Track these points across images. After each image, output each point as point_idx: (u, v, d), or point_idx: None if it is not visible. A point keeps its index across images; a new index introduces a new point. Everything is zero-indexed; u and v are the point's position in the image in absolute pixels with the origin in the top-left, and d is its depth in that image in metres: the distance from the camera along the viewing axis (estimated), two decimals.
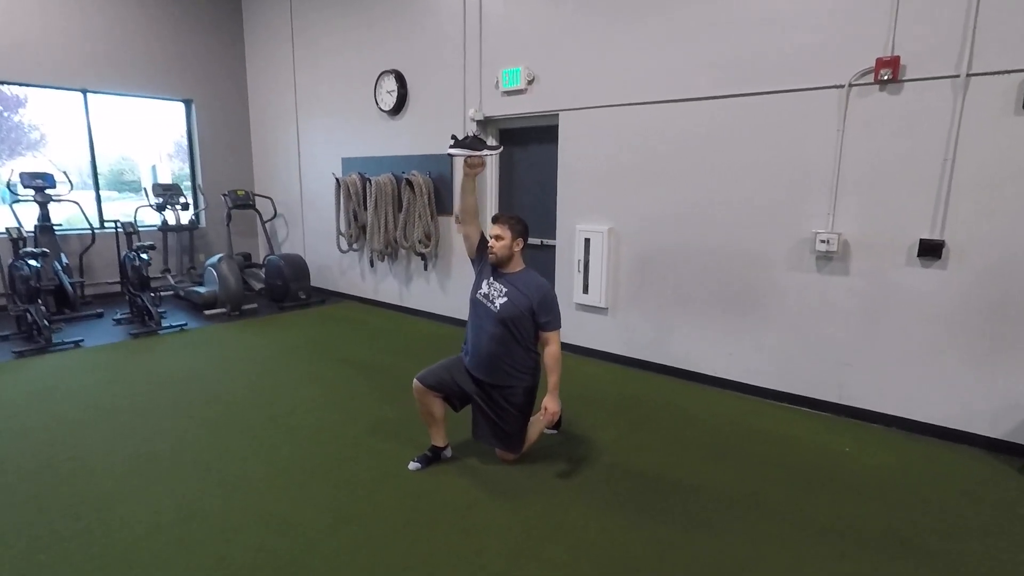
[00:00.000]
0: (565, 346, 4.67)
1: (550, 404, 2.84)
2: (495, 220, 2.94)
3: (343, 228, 6.45)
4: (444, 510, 2.60)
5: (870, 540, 2.42)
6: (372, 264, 6.34)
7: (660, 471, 2.99)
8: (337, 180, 6.32)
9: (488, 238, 3.00)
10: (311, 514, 2.55)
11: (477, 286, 3.04)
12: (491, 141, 3.40)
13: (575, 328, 4.89)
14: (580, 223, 4.73)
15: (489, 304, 2.93)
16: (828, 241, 3.54)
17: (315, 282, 6.93)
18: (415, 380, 3.02)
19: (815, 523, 2.54)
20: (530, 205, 5.28)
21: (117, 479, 2.83)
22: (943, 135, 3.18)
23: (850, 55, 3.40)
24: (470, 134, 3.09)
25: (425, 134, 5.76)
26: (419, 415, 3.07)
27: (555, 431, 3.38)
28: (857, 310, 3.56)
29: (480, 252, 3.04)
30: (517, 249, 2.91)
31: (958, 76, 3.10)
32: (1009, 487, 2.87)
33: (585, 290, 4.75)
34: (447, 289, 5.88)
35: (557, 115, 4.78)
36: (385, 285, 6.51)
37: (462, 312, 5.69)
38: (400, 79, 5.81)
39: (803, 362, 3.79)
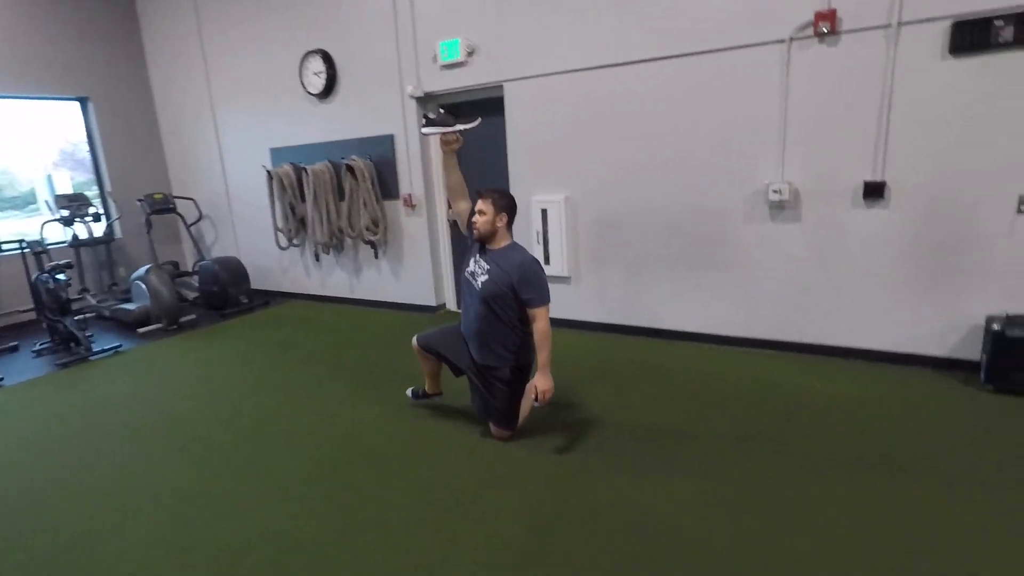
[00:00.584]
0: None
1: (540, 382, 2.84)
2: (479, 194, 2.90)
3: (280, 223, 6.10)
4: (453, 493, 2.58)
5: (860, 462, 2.62)
6: (317, 258, 6.06)
7: (652, 426, 3.09)
8: (269, 173, 5.94)
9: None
10: (320, 526, 2.45)
11: (465, 263, 3.06)
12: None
13: None
14: (535, 194, 4.71)
15: (474, 282, 2.93)
16: (780, 191, 3.71)
17: (255, 284, 6.56)
18: (415, 339, 3.26)
19: (808, 453, 2.72)
20: (479, 181, 5.15)
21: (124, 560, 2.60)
22: (879, 82, 3.38)
23: (790, 10, 3.52)
24: (441, 111, 2.99)
25: (361, 116, 5.50)
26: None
27: (537, 403, 3.39)
28: (811, 254, 3.78)
29: (470, 228, 2.99)
30: (500, 224, 2.87)
31: (890, 25, 3.29)
32: (960, 398, 3.18)
33: (547, 261, 4.76)
34: (401, 276, 5.73)
35: (502, 86, 4.69)
36: (333, 279, 6.25)
37: (419, 298, 5.61)
38: (327, 59, 5.49)
39: (765, 308, 3.99)
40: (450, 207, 3.27)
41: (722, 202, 3.98)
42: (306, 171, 5.62)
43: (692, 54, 3.87)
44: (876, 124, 3.43)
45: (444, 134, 2.94)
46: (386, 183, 5.53)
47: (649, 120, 4.13)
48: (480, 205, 2.86)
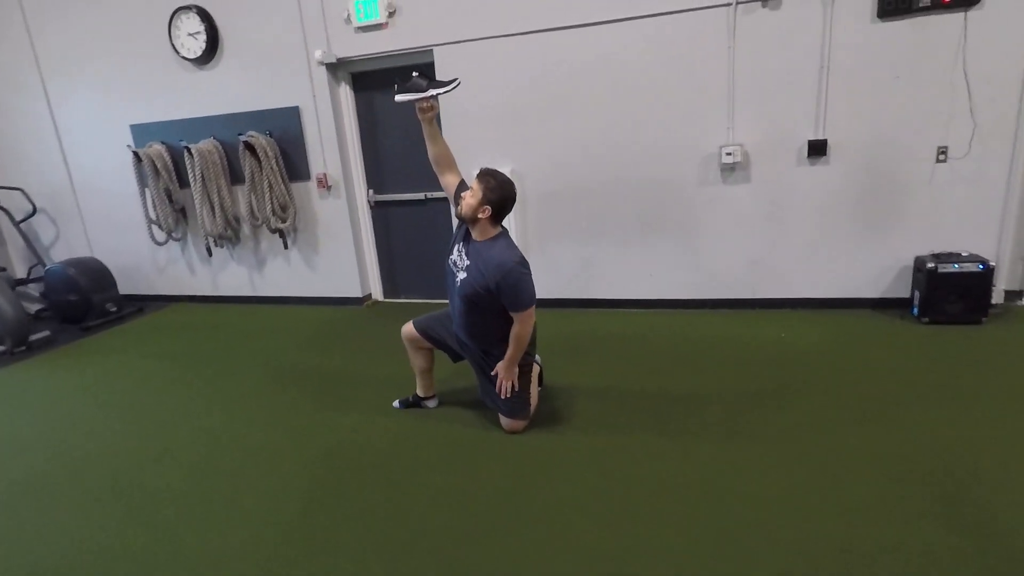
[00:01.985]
0: None
1: (502, 370, 2.67)
2: (477, 175, 2.55)
3: (154, 215, 5.11)
4: (491, 496, 2.29)
5: (835, 400, 2.79)
6: (210, 253, 5.16)
7: (632, 394, 3.03)
8: (136, 154, 4.93)
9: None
10: (355, 564, 2.02)
11: (450, 247, 2.76)
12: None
13: None
14: (476, 168, 4.40)
15: (456, 273, 2.68)
16: (732, 153, 3.82)
17: (122, 289, 5.46)
18: (408, 324, 2.93)
19: (790, 400, 2.82)
20: (403, 157, 4.75)
21: None
22: (817, 44, 3.60)
23: None
24: (415, 75, 2.60)
25: (256, 85, 4.74)
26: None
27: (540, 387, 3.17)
28: (760, 212, 3.95)
29: (456, 205, 2.64)
30: (483, 216, 2.50)
31: None
32: (903, 332, 3.53)
33: None
34: (317, 267, 5.10)
35: (431, 51, 4.30)
36: (227, 276, 5.39)
37: (341, 290, 5.04)
38: (205, 16, 4.64)
39: (721, 269, 4.12)
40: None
41: (676, 167, 4.01)
42: (189, 151, 4.74)
43: (641, 17, 3.82)
44: (816, 85, 3.65)
45: (418, 101, 2.58)
46: (293, 162, 4.85)
47: (597, 86, 4.03)
48: (472, 186, 2.54)
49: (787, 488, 2.17)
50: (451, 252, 2.72)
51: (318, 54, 4.49)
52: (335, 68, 4.60)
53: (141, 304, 5.54)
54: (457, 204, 2.63)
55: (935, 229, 3.68)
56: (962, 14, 3.34)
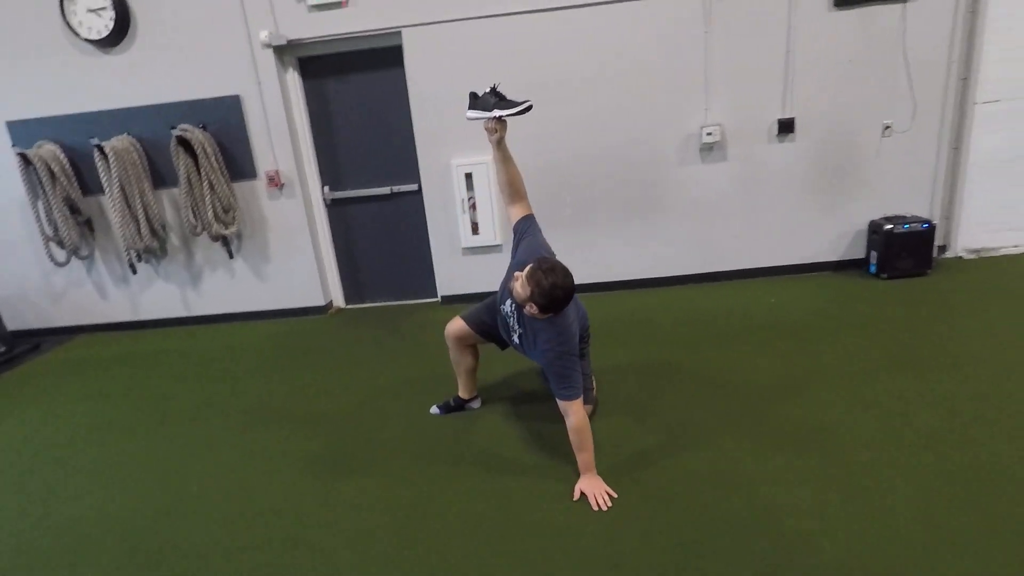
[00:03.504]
0: (457, 299, 4.41)
1: (586, 486, 2.16)
2: (529, 269, 2.09)
3: (51, 230, 4.21)
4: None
5: (850, 350, 3.09)
6: (134, 270, 4.33)
7: (654, 374, 3.06)
8: (24, 157, 4.02)
9: (532, 231, 2.45)
10: None
11: (502, 294, 2.43)
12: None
13: (469, 277, 4.47)
14: (455, 158, 4.20)
15: (508, 328, 2.44)
16: (712, 133, 4.02)
17: (10, 324, 4.44)
18: (455, 320, 2.67)
19: (796, 359, 3.05)
20: (362, 150, 4.39)
21: None
22: (783, 31, 3.89)
23: None
24: (490, 89, 2.37)
25: (184, 71, 4.08)
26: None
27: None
28: (736, 188, 4.20)
29: (516, 240, 2.47)
30: (530, 312, 2.14)
31: None
32: (868, 287, 3.97)
33: (475, 231, 4.32)
34: (269, 276, 4.53)
35: (399, 33, 4.00)
36: (153, 296, 4.61)
37: (300, 299, 4.55)
38: None
39: (704, 243, 4.31)
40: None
41: (658, 148, 4.13)
42: (102, 150, 3.97)
43: (616, 1, 3.87)
44: (783, 67, 3.96)
45: (486, 121, 2.37)
46: (235, 159, 4.26)
47: (577, 70, 4.01)
48: (523, 273, 2.11)
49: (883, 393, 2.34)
50: (502, 302, 2.43)
51: (264, 35, 3.98)
52: (285, 50, 4.11)
53: (36, 340, 4.56)
54: (516, 240, 2.46)
55: (882, 196, 4.16)
56: (901, 6, 3.81)
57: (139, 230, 4.18)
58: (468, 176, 4.20)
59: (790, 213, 4.24)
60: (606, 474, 2.22)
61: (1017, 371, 2.69)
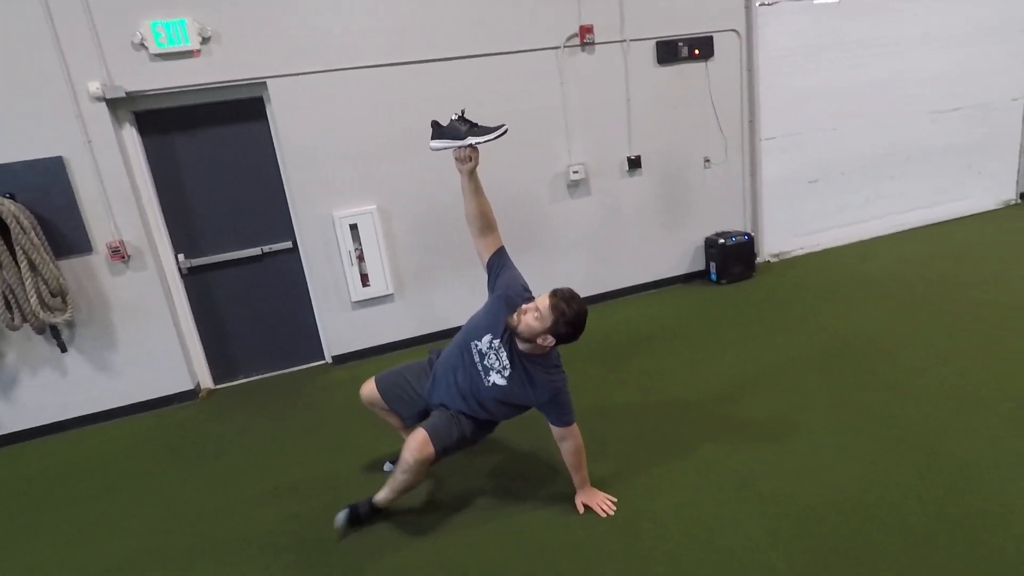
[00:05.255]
0: (351, 355, 4.38)
1: (587, 499, 2.34)
2: (551, 297, 2.11)
3: None
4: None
5: (703, 340, 3.75)
6: None
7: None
8: None
9: (508, 264, 2.36)
10: None
11: (478, 328, 2.32)
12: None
13: (363, 331, 4.27)
14: (336, 209, 4.01)
15: (479, 370, 2.28)
16: (579, 171, 4.47)
17: None
18: (368, 383, 2.56)
19: (669, 346, 3.68)
20: (224, 212, 3.98)
21: None
22: (622, 82, 4.52)
23: (562, 23, 4.26)
24: (455, 116, 2.27)
25: None
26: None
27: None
28: (599, 219, 4.70)
29: (493, 274, 2.35)
30: (544, 343, 2.14)
31: (624, 40, 4.44)
32: (712, 292, 4.73)
33: (364, 282, 4.14)
34: (115, 366, 3.76)
35: (264, 84, 3.75)
36: None
37: (162, 387, 3.94)
38: None
39: (576, 270, 4.69)
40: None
41: (532, 187, 4.45)
42: None
43: (489, 54, 4.15)
44: (626, 113, 4.58)
45: (456, 150, 2.25)
46: (60, 233, 3.52)
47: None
48: (539, 303, 2.12)
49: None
50: (479, 335, 2.30)
51: (95, 87, 3.42)
52: (122, 104, 3.56)
53: None
54: (493, 274, 2.34)
55: (710, 216, 5.01)
56: (704, 63, 4.70)
57: None
58: (353, 227, 4.04)
59: (644, 237, 4.86)
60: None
61: (826, 324, 3.72)
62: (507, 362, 2.24)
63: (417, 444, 2.19)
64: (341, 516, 2.32)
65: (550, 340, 2.12)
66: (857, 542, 1.98)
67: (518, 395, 2.26)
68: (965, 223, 5.83)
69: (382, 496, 2.34)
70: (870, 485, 2.25)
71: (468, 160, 2.27)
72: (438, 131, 2.31)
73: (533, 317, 2.09)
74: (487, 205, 2.35)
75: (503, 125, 2.26)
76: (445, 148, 2.30)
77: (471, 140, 2.23)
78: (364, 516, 2.38)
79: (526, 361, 2.22)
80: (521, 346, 2.20)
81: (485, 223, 2.35)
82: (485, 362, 2.28)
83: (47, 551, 2.53)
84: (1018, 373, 2.91)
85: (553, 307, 2.07)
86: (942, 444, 2.44)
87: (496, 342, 2.25)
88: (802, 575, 1.88)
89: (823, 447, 2.52)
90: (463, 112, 2.31)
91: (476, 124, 2.26)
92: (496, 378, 2.26)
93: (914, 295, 4.11)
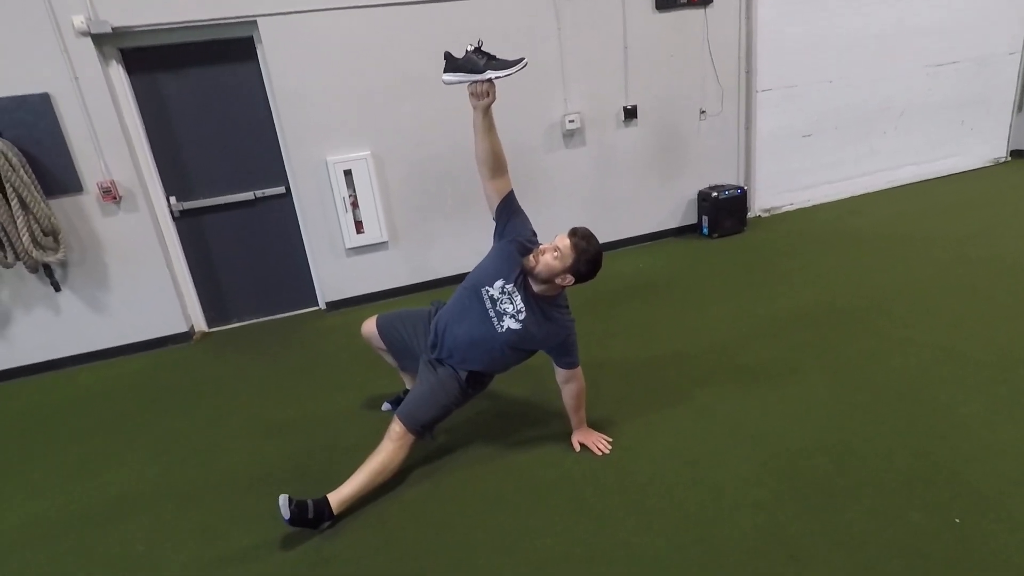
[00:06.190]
0: (345, 302, 4.41)
1: (584, 437, 2.41)
2: (570, 236, 2.13)
3: None
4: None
5: (697, 292, 3.81)
6: None
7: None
8: None
9: (516, 209, 2.31)
10: None
11: (487, 274, 2.26)
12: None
13: (356, 278, 4.30)
14: (330, 154, 3.98)
15: (492, 315, 2.23)
16: (574, 120, 4.44)
17: None
18: (369, 321, 2.60)
19: (675, 304, 3.75)
20: (213, 153, 3.94)
21: None
22: (620, 29, 4.45)
23: None
24: (470, 47, 2.10)
25: None
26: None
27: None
28: (595, 170, 4.69)
29: (503, 220, 2.30)
30: (563, 283, 2.14)
31: None
32: (705, 246, 4.77)
33: (359, 229, 4.15)
34: (110, 306, 3.79)
35: (254, 23, 3.66)
36: None
37: (157, 328, 3.98)
38: None
39: (572, 220, 4.69)
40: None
41: (527, 136, 4.41)
42: None
43: None
44: (623, 62, 4.52)
45: (471, 84, 2.10)
46: (50, 172, 3.49)
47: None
48: (558, 242, 2.11)
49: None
50: (490, 281, 2.23)
51: (78, 20, 3.33)
52: (108, 40, 3.48)
53: None
54: (503, 220, 2.29)
55: (703, 169, 5.01)
56: (703, 10, 4.62)
57: None
58: (347, 173, 4.02)
59: (638, 189, 4.87)
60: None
61: (817, 278, 3.73)
62: (522, 305, 2.19)
63: (396, 435, 2.20)
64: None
65: (569, 279, 2.12)
66: (842, 482, 2.04)
67: (532, 337, 2.23)
68: (956, 180, 5.86)
69: (353, 483, 2.17)
70: (857, 429, 2.31)
71: (486, 95, 2.12)
72: (452, 63, 2.15)
73: (552, 256, 2.08)
74: (499, 144, 2.24)
75: (523, 58, 2.10)
76: (460, 82, 2.15)
77: (491, 74, 2.07)
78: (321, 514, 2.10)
79: (541, 302, 2.22)
80: (536, 288, 2.19)
81: (497, 164, 2.25)
82: (498, 307, 2.21)
83: (49, 480, 2.60)
84: (1004, 324, 2.97)
85: (574, 246, 2.08)
86: (928, 391, 2.50)
87: (509, 287, 2.20)
88: (789, 510, 1.95)
89: (812, 393, 2.58)
90: (480, 43, 2.12)
91: (495, 57, 2.10)
92: (510, 323, 2.21)
93: (904, 250, 4.16)
